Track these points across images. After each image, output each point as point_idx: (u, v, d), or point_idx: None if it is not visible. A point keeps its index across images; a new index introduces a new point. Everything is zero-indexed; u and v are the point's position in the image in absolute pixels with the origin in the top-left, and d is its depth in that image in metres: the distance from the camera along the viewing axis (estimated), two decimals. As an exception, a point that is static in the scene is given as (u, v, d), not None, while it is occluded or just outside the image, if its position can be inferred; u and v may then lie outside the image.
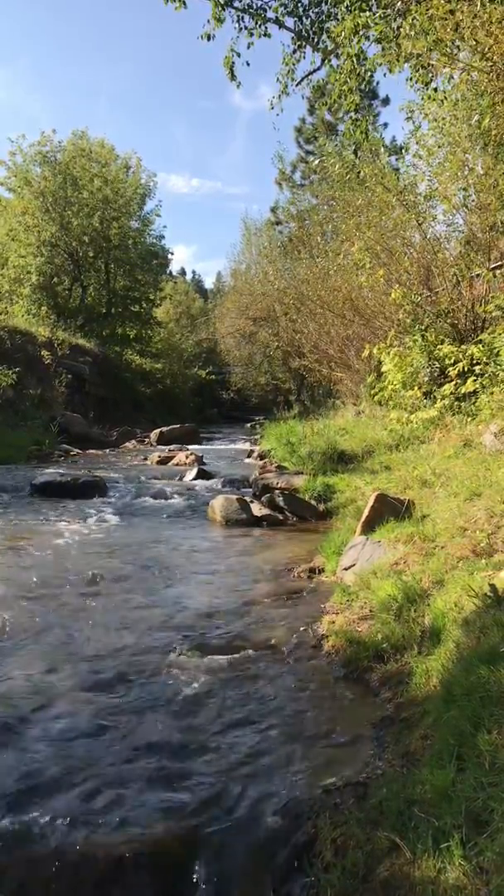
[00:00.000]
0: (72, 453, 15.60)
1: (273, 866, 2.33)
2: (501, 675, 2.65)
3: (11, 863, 2.28)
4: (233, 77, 7.42)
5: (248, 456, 15.97)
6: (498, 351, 8.20)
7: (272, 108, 8.02)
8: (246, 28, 7.24)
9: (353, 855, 2.21)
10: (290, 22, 7.43)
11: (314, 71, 8.09)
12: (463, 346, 9.15)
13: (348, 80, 7.17)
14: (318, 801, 2.54)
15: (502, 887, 1.82)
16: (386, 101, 29.32)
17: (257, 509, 8.25)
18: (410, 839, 2.14)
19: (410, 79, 7.57)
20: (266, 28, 7.36)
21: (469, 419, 8.03)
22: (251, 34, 7.26)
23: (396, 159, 14.72)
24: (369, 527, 5.73)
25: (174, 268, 58.11)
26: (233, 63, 7.32)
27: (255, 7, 7.21)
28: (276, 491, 8.68)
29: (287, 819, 2.48)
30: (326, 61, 7.72)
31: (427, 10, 6.56)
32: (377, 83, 28.63)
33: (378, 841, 2.22)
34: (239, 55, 7.30)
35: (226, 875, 2.31)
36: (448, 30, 6.84)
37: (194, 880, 2.29)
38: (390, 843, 2.18)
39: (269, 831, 2.44)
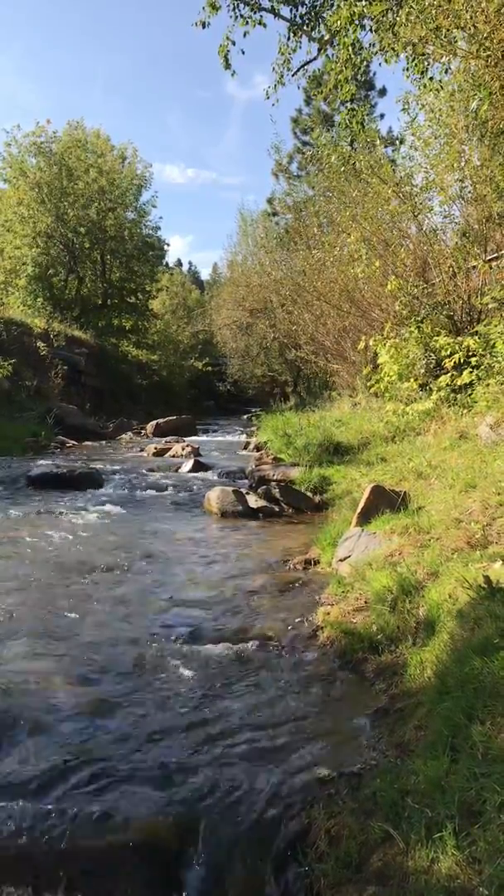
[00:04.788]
0: (68, 445, 15.57)
1: (267, 856, 2.34)
2: (495, 667, 2.65)
3: (8, 853, 2.29)
4: (227, 66, 7.35)
5: (245, 448, 15.96)
6: (494, 342, 8.20)
7: (268, 98, 7.96)
8: (241, 16, 7.17)
9: (346, 845, 2.23)
10: (285, 10, 7.36)
11: (310, 61, 8.03)
12: (459, 338, 9.14)
13: (344, 69, 7.12)
14: (313, 791, 2.55)
15: (495, 877, 1.83)
16: (383, 92, 29.15)
17: (253, 501, 8.25)
18: (404, 829, 2.16)
19: (407, 68, 7.52)
20: (261, 17, 7.29)
21: (465, 411, 8.03)
22: (246, 22, 7.19)
23: (393, 150, 14.65)
24: (365, 518, 5.73)
25: (171, 259, 57.83)
26: (228, 51, 7.25)
27: (250, -6, 7.15)
28: (273, 483, 8.68)
29: (282, 809, 2.49)
30: (322, 51, 7.66)
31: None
32: (374, 74, 28.32)
33: (372, 831, 2.23)
34: (234, 44, 7.24)
35: (220, 864, 2.32)
36: (447, 17, 6.80)
37: (190, 870, 2.31)
38: (384, 834, 2.19)
39: (263, 821, 2.45)
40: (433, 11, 6.71)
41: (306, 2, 7.27)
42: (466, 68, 8.49)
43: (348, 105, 7.86)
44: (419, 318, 9.98)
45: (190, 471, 11.49)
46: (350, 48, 7.02)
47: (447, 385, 8.66)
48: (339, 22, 6.84)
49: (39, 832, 2.36)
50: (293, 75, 7.89)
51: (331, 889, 2.13)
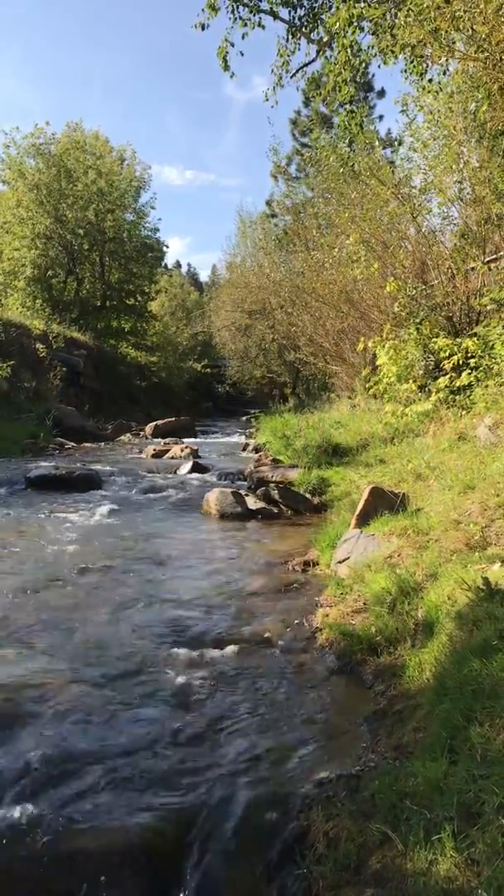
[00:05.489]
0: (67, 446, 15.55)
1: (266, 859, 2.33)
2: (494, 669, 2.65)
3: (5, 858, 2.28)
4: (226, 67, 7.38)
5: (244, 449, 15.96)
6: (492, 344, 8.20)
7: (267, 100, 7.98)
8: (240, 18, 7.19)
9: (345, 847, 2.22)
10: (284, 12, 7.39)
11: (309, 62, 8.06)
12: (458, 340, 9.14)
13: (343, 71, 7.14)
14: (311, 793, 2.54)
15: (493, 879, 1.82)
16: (381, 94, 29.29)
17: (252, 502, 8.25)
18: (402, 831, 2.15)
19: (405, 70, 7.53)
20: (260, 19, 7.32)
21: (463, 412, 8.03)
22: (245, 24, 7.21)
23: (392, 152, 14.67)
24: (363, 520, 5.73)
25: (170, 260, 57.96)
26: (227, 53, 7.27)
27: (249, -4, 7.17)
28: (272, 484, 8.68)
29: (280, 811, 2.48)
30: (321, 52, 7.68)
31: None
32: (372, 75, 28.45)
33: (370, 833, 2.22)
34: (233, 45, 7.26)
35: (218, 868, 2.31)
36: (445, 18, 6.80)
37: (187, 873, 2.30)
38: (382, 836, 2.18)
39: (261, 824, 2.44)
40: (431, 13, 6.71)
41: (305, 4, 7.30)
42: (465, 70, 8.51)
43: (347, 107, 7.90)
44: (418, 320, 9.98)
45: (189, 472, 11.48)
46: (349, 50, 7.04)
47: (446, 386, 8.66)
48: (337, 24, 6.86)
49: (35, 837, 2.35)
50: (292, 77, 7.93)
51: (329, 891, 2.13)
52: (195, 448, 14.43)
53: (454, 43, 7.54)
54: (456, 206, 10.72)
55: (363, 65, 7.37)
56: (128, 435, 19.19)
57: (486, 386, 7.88)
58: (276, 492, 8.40)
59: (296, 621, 4.43)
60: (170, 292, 40.03)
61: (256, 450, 14.33)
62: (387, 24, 6.88)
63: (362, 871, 2.13)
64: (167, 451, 14.31)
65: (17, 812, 2.44)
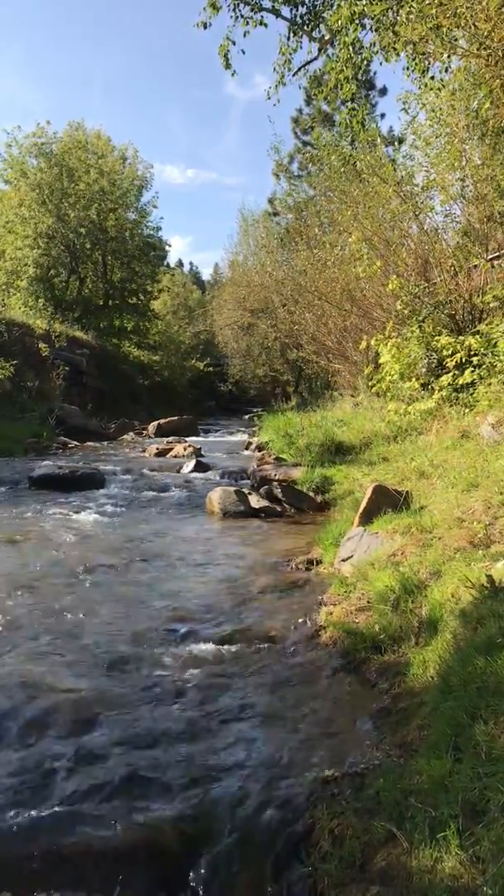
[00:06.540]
0: (70, 445, 15.57)
1: (271, 856, 2.34)
2: (498, 666, 2.65)
3: (10, 857, 2.29)
4: (228, 65, 7.36)
5: (246, 448, 15.95)
6: (496, 342, 8.18)
7: (269, 98, 7.96)
8: (242, 16, 7.18)
9: (350, 845, 2.23)
10: (285, 10, 7.37)
11: (311, 60, 8.04)
12: (461, 337, 9.12)
13: (344, 68, 7.12)
14: (316, 791, 2.55)
15: (499, 876, 1.82)
16: (383, 92, 29.11)
17: (255, 501, 8.25)
18: (407, 829, 2.16)
19: (407, 68, 7.52)
20: (262, 17, 7.30)
21: (467, 410, 8.02)
22: (247, 23, 7.20)
23: (393, 150, 14.65)
24: (367, 518, 5.73)
25: (172, 259, 57.70)
26: (228, 51, 7.26)
27: (251, -6, 7.16)
28: (274, 483, 8.67)
29: (285, 809, 2.49)
30: (323, 50, 7.67)
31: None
32: (374, 73, 28.27)
33: (375, 831, 2.23)
34: (234, 43, 7.25)
35: (224, 866, 2.32)
36: (447, 15, 6.79)
37: (193, 871, 2.30)
38: (387, 833, 2.19)
39: (267, 822, 2.45)
40: (433, 10, 6.69)
41: (307, 2, 7.28)
42: (467, 67, 8.48)
43: (349, 104, 7.87)
44: (420, 318, 9.97)
45: (192, 471, 11.49)
46: (350, 48, 7.02)
47: (449, 384, 8.65)
48: (339, 21, 6.85)
49: (41, 834, 2.36)
50: (294, 75, 7.91)
51: (334, 889, 2.13)
52: (198, 447, 14.44)
53: (456, 40, 7.53)
54: (458, 203, 10.71)
55: (365, 62, 7.35)
56: (130, 434, 19.20)
57: (490, 384, 7.87)
58: (279, 490, 8.40)
59: (299, 619, 4.43)
60: (172, 291, 39.97)
61: (259, 448, 14.29)
62: (388, 21, 6.86)
63: (367, 868, 2.13)
64: (170, 449, 14.32)
65: (21, 811, 2.45)
